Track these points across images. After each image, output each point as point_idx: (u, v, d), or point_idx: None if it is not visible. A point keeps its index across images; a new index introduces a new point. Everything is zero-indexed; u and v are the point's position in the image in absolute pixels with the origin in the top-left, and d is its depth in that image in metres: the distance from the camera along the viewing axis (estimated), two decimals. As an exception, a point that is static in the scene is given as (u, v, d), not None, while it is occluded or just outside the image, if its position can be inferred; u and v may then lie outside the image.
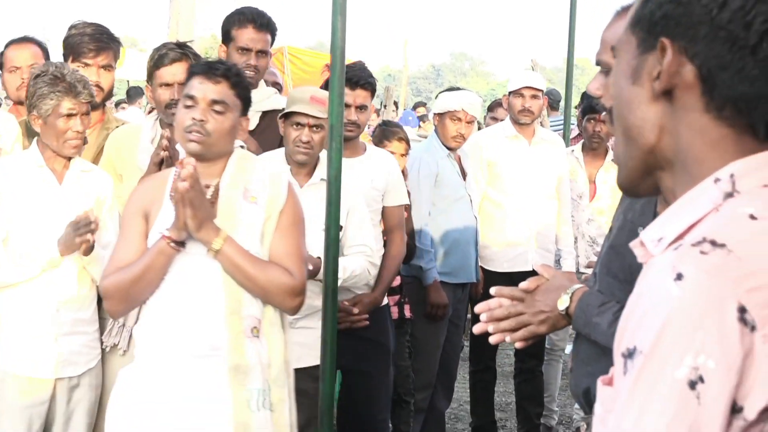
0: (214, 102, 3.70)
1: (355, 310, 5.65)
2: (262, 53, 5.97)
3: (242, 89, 3.86)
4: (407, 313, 6.63)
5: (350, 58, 5.57)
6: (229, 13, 6.23)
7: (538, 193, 7.37)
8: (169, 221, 3.67)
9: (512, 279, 7.08)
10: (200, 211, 3.57)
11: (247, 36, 5.88)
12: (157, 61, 5.41)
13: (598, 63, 1.76)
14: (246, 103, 3.94)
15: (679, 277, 1.45)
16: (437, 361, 7.05)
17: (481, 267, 7.13)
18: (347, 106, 5.61)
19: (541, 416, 7.87)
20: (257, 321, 3.76)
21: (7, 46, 6.13)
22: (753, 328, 1.44)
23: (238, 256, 3.68)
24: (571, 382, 3.34)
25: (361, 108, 5.94)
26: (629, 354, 1.53)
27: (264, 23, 5.98)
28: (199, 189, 3.59)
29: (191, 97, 3.72)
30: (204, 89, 3.72)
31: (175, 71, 5.25)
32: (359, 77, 5.93)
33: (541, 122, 7.52)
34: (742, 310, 1.44)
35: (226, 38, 5.98)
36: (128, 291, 3.73)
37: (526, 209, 7.31)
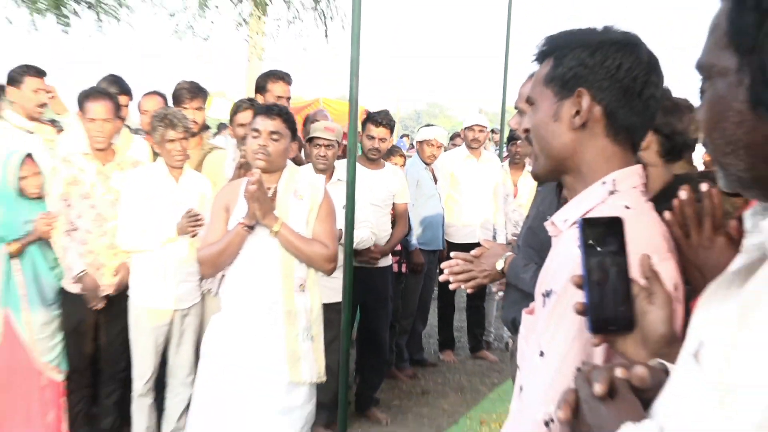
0: (272, 132, 3.71)
1: (373, 249, 5.76)
2: (288, 99, 5.92)
3: (290, 123, 3.82)
4: (403, 270, 6.66)
5: (362, 105, 5.55)
6: (264, 72, 6.17)
7: (483, 193, 7.35)
8: (243, 212, 3.69)
9: (465, 248, 7.09)
10: (264, 205, 3.60)
11: (280, 88, 5.83)
12: (236, 109, 5.38)
13: (516, 108, 1.77)
14: (293, 132, 3.88)
15: None
16: (417, 299, 7.07)
17: (445, 239, 7.09)
18: (372, 138, 5.97)
19: (483, 335, 7.93)
20: (303, 280, 3.77)
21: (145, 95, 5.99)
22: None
23: (291, 236, 3.67)
24: (502, 314, 3.34)
25: (382, 140, 6.01)
26: (547, 294, 1.59)
27: (289, 80, 5.94)
28: (263, 190, 3.61)
29: (256, 130, 3.75)
30: (265, 124, 3.73)
31: (246, 116, 5.17)
32: (382, 119, 6.03)
33: (485, 147, 7.53)
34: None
35: (262, 90, 5.88)
36: (215, 260, 3.78)
37: (475, 203, 7.30)
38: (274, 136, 3.72)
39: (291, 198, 3.79)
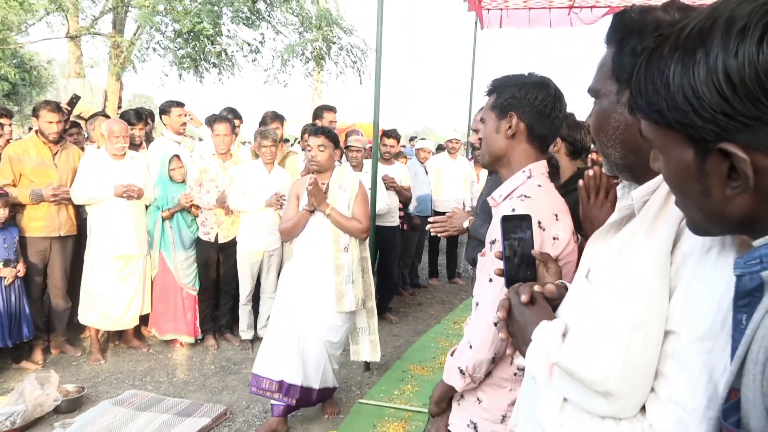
0: (319, 146, 3.59)
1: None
2: (334, 123, 5.83)
3: (332, 138, 3.67)
4: (405, 227, 6.63)
5: (383, 127, 5.64)
6: (319, 105, 6.17)
7: (457, 181, 7.29)
8: (306, 200, 3.62)
9: (444, 214, 7.26)
10: (319, 197, 3.52)
11: (329, 116, 5.76)
12: (304, 130, 5.43)
13: (474, 129, 1.79)
14: (336, 143, 3.73)
15: (513, 210, 1.51)
16: (414, 246, 7.12)
17: (433, 209, 7.04)
18: (386, 145, 6.02)
19: (456, 268, 7.89)
20: (347, 244, 3.63)
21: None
22: (543, 229, 1.53)
23: (338, 216, 3.56)
24: (466, 255, 3.28)
25: (392, 146, 6.07)
26: (492, 242, 1.59)
27: (335, 110, 5.86)
28: (319, 188, 3.54)
29: (309, 145, 3.67)
30: (314, 140, 3.63)
31: (311, 138, 5.31)
32: (392, 133, 6.11)
33: (459, 152, 7.54)
34: (539, 222, 1.52)
35: (319, 117, 5.81)
36: (290, 231, 3.67)
37: (452, 187, 7.25)
38: (321, 148, 3.58)
39: (338, 190, 3.66)
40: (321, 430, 3.71)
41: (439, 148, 9.82)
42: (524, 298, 1.10)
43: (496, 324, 1.45)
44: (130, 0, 9.88)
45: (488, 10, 8.13)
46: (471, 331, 1.61)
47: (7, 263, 4.22)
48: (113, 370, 4.55)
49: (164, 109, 5.53)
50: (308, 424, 3.76)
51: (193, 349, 5.03)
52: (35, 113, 4.61)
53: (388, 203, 5.76)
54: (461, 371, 1.62)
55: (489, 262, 1.57)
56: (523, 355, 1.08)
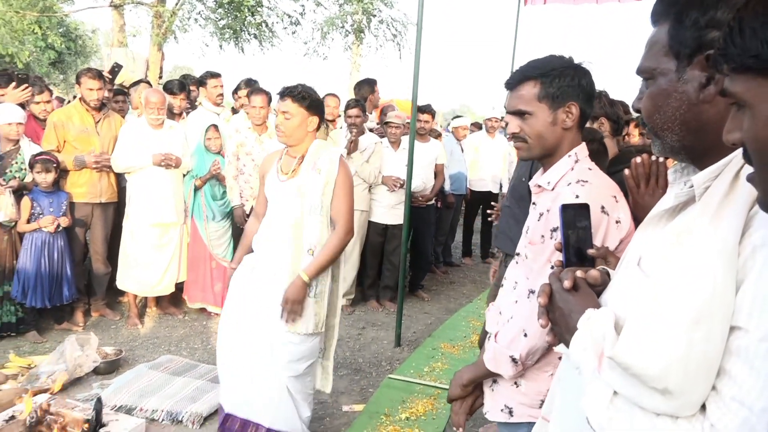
0: (283, 112, 2.73)
1: (421, 198, 5.68)
2: (374, 96, 5.82)
3: (306, 102, 2.73)
4: (439, 205, 6.58)
5: (420, 103, 5.57)
6: (360, 80, 6.10)
7: (494, 159, 7.21)
8: (273, 178, 2.88)
9: (480, 194, 7.19)
10: (297, 309, 2.71)
11: (368, 90, 5.78)
12: (346, 106, 5.34)
13: (513, 112, 1.69)
14: (313, 109, 2.76)
15: (577, 196, 1.48)
16: (449, 224, 7.05)
17: (468, 188, 7.05)
18: (420, 121, 5.68)
19: (489, 248, 7.71)
20: (314, 246, 2.69)
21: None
22: (607, 214, 1.48)
23: (317, 267, 2.70)
24: (497, 241, 3.07)
25: (427, 122, 5.86)
26: (554, 229, 1.52)
27: (375, 84, 5.84)
28: (300, 307, 2.72)
29: (275, 110, 2.92)
30: (279, 104, 2.81)
31: (354, 111, 5.20)
32: (427, 109, 5.88)
33: (498, 130, 7.43)
34: (602, 207, 1.48)
35: (357, 90, 5.83)
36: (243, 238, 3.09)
37: (488, 166, 7.18)
38: (286, 116, 2.72)
39: (311, 171, 2.76)
40: (350, 402, 3.72)
41: (474, 125, 9.68)
42: (567, 284, 1.05)
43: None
44: (173, -32, 9.93)
45: (532, -15, 7.88)
46: (525, 320, 1.55)
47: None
48: (150, 334, 4.64)
49: (201, 81, 5.54)
50: (338, 397, 3.78)
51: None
52: (77, 80, 4.66)
53: (424, 180, 5.71)
54: (514, 359, 1.58)
55: (549, 250, 1.53)
56: (566, 343, 1.03)
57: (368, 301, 5.65)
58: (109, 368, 3.88)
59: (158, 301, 5.11)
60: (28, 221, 4.24)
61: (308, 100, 2.75)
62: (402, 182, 5.28)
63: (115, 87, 5.60)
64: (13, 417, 2.91)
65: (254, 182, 4.91)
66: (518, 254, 1.71)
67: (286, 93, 2.75)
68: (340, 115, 5.73)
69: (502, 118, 8.67)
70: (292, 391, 2.82)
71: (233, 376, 2.87)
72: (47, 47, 16.05)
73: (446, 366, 4.31)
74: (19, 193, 4.24)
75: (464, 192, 7.06)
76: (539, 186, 1.64)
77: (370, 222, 5.45)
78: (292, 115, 2.73)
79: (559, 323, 1.06)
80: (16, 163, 4.29)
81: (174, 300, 5.17)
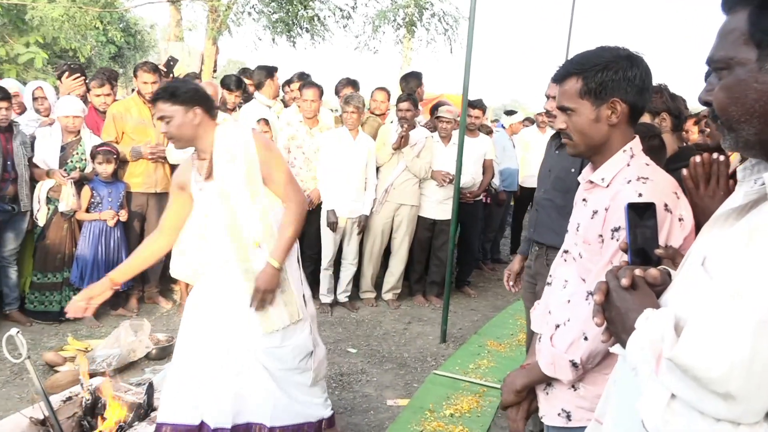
0: (162, 117, 2.42)
1: (468, 195, 5.61)
2: (420, 91, 5.75)
3: (177, 98, 2.37)
4: (488, 201, 6.49)
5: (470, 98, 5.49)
6: (406, 73, 6.12)
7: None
8: (195, 188, 2.55)
9: (532, 191, 7.06)
10: (267, 298, 2.49)
11: (415, 83, 5.72)
12: (398, 100, 5.30)
13: (559, 107, 1.58)
14: (189, 101, 2.38)
15: (640, 195, 1.42)
16: (498, 221, 6.99)
17: (519, 184, 6.95)
18: (471, 116, 5.57)
19: None
20: (258, 236, 2.43)
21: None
22: (671, 212, 1.43)
23: (282, 251, 2.45)
24: (535, 234, 2.98)
25: (477, 117, 5.73)
26: (615, 229, 1.47)
27: (422, 78, 5.77)
28: (272, 296, 2.49)
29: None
30: (157, 112, 2.46)
31: (405, 105, 5.13)
32: (477, 104, 5.73)
33: (549, 126, 7.30)
34: (666, 205, 1.43)
35: (404, 83, 5.76)
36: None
37: (538, 163, 7.14)
38: (165, 119, 2.39)
39: (225, 164, 2.43)
40: (394, 397, 3.72)
41: (528, 120, 9.53)
42: (625, 282, 1.01)
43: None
44: (228, -36, 10.10)
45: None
46: (585, 322, 1.50)
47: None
48: (200, 323, 4.73)
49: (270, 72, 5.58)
50: (382, 390, 3.79)
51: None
52: (135, 73, 4.80)
53: (473, 176, 5.65)
54: (574, 364, 1.53)
55: (611, 251, 1.48)
56: (622, 343, 1.00)
57: (415, 296, 5.64)
58: (161, 354, 3.98)
59: (209, 290, 5.20)
60: (88, 210, 4.40)
61: (178, 96, 2.39)
62: (451, 177, 5.23)
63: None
64: (70, 398, 3.02)
65: (303, 175, 4.97)
66: (566, 251, 1.66)
67: (155, 97, 2.44)
68: (389, 109, 5.71)
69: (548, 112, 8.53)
70: (284, 379, 2.56)
71: (203, 387, 2.51)
72: (108, 42, 16.60)
73: (492, 364, 4.26)
74: (79, 182, 4.39)
75: (515, 189, 6.96)
76: (591, 182, 1.59)
77: (419, 217, 5.42)
78: (170, 117, 2.39)
79: (615, 322, 1.03)
80: (77, 153, 4.46)
81: (224, 289, 5.25)
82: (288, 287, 2.56)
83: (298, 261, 2.68)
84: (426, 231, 5.47)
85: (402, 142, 5.05)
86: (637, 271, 1.04)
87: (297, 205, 2.54)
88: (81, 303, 2.56)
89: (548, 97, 2.82)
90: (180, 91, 2.40)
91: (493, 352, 4.50)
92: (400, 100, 5.32)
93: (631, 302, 1.00)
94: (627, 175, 1.51)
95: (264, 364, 2.52)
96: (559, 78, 1.59)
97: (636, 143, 1.56)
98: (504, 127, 7.27)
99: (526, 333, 3.20)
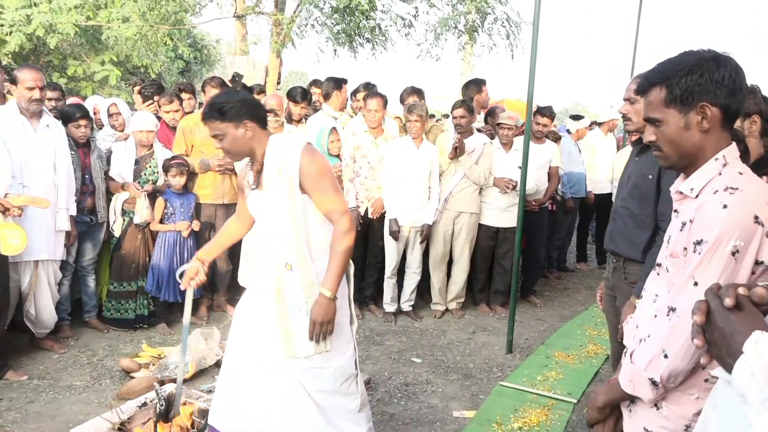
0: (215, 135, 2.42)
1: (534, 203, 5.55)
2: (483, 96, 5.74)
3: (229, 115, 2.34)
4: (554, 208, 6.35)
5: (536, 104, 5.39)
6: (469, 80, 6.09)
7: (611, 159, 7.00)
8: (251, 193, 2.58)
9: (600, 197, 6.89)
10: (328, 324, 2.42)
11: (476, 90, 5.72)
12: (453, 106, 5.26)
13: (646, 120, 1.53)
14: (241, 117, 2.35)
15: (725, 206, 1.37)
16: (566, 228, 6.83)
17: (587, 190, 6.77)
18: (539, 124, 5.56)
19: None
20: (291, 259, 2.37)
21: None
22: (761, 225, 1.36)
23: (335, 279, 2.38)
24: (611, 244, 2.91)
25: (545, 125, 5.64)
26: (698, 242, 1.41)
27: (485, 84, 5.75)
28: (332, 321, 2.43)
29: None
30: (207, 130, 2.49)
31: (460, 111, 5.09)
32: (546, 111, 5.63)
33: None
34: (756, 217, 1.35)
35: (468, 92, 5.73)
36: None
37: (606, 166, 6.90)
38: (218, 137, 2.38)
39: (275, 175, 2.40)
40: (460, 408, 3.68)
41: (592, 126, 9.33)
42: (729, 302, 0.96)
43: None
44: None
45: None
46: (665, 339, 1.46)
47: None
48: (267, 331, 4.81)
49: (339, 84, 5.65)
50: (448, 402, 3.75)
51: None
52: (203, 88, 4.95)
53: (537, 183, 5.55)
54: (654, 382, 1.48)
55: (693, 264, 1.42)
56: (726, 367, 0.95)
57: (478, 305, 5.56)
58: (230, 362, 4.06)
59: (275, 298, 5.29)
60: (162, 221, 4.56)
61: (225, 112, 2.35)
62: (514, 184, 5.15)
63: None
64: (145, 404, 3.13)
65: (369, 184, 5.00)
66: (659, 265, 1.61)
67: (204, 117, 2.41)
68: (437, 119, 5.67)
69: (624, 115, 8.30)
70: (335, 414, 2.49)
71: (240, 401, 2.52)
72: (176, 57, 17.22)
73: (561, 376, 4.15)
74: (151, 194, 4.57)
75: (584, 194, 6.79)
76: (681, 193, 1.53)
77: (480, 225, 5.34)
78: (222, 135, 2.38)
79: (718, 345, 0.97)
80: (150, 166, 4.63)
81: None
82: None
83: (348, 279, 2.59)
84: (489, 239, 5.40)
85: (458, 152, 4.99)
86: (741, 290, 0.98)
87: (345, 227, 2.42)
88: (187, 282, 2.69)
89: (626, 100, 2.73)
90: (227, 107, 2.35)
91: (561, 363, 4.39)
92: (454, 106, 5.27)
93: (736, 324, 0.95)
94: (716, 185, 1.44)
95: (304, 386, 2.45)
96: (643, 90, 1.54)
97: (731, 150, 1.49)
98: (570, 132, 7.10)
99: (612, 346, 3.08)
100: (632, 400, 1.59)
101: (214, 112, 2.35)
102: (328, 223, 2.45)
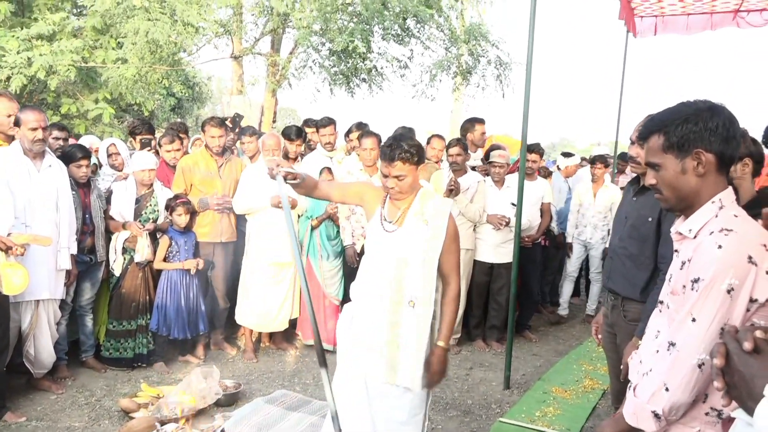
0: (396, 176, 2.60)
1: (527, 239, 5.63)
2: (484, 134, 5.86)
3: (412, 158, 2.58)
4: (547, 244, 6.42)
5: (517, 139, 5.51)
6: (468, 119, 6.14)
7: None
8: (375, 222, 2.75)
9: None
10: (441, 374, 2.66)
11: (480, 128, 5.80)
12: (449, 145, 5.37)
13: (647, 164, 1.66)
14: (418, 162, 2.61)
15: (720, 247, 1.44)
16: (558, 263, 6.86)
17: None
18: (528, 160, 5.56)
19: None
20: (415, 298, 2.55)
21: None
22: (755, 264, 1.42)
23: (447, 333, 2.64)
24: (608, 282, 2.99)
25: (534, 161, 5.84)
26: (695, 280, 1.48)
27: (484, 122, 5.85)
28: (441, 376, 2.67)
29: (383, 172, 2.68)
30: (388, 170, 2.62)
31: (455, 150, 5.23)
32: (535, 148, 5.85)
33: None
34: (750, 257, 1.42)
35: (467, 129, 5.87)
36: None
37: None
38: (400, 177, 2.57)
39: (419, 222, 2.61)
40: (461, 445, 3.69)
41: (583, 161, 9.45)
42: (748, 345, 1.00)
43: (700, 366, 1.43)
44: (289, 21, 10.51)
45: (641, 17, 7.72)
46: (666, 373, 1.53)
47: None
48: (264, 369, 4.83)
49: (322, 125, 5.80)
50: (448, 439, 3.76)
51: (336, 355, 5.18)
52: (202, 128, 5.04)
53: (530, 219, 5.64)
54: (656, 415, 1.54)
55: (690, 302, 1.50)
56: (747, 409, 0.99)
57: (474, 341, 5.60)
58: (229, 401, 4.07)
59: (272, 336, 5.32)
60: (165, 259, 4.60)
61: (416, 155, 2.59)
62: (507, 220, 5.25)
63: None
64: (147, 444, 3.13)
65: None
66: (661, 302, 1.68)
67: (396, 156, 2.55)
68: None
69: (631, 157, 8.39)
70: None
71: (350, 419, 2.69)
72: (169, 95, 17.38)
73: (558, 411, 4.18)
74: (152, 233, 4.61)
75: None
76: (680, 233, 1.62)
77: (475, 261, 5.42)
78: (405, 176, 2.58)
79: (739, 387, 1.01)
80: (150, 205, 4.69)
81: (287, 336, 5.36)
82: (420, 350, 2.61)
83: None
84: (483, 275, 5.46)
85: (452, 193, 5.07)
86: (759, 333, 1.02)
87: (458, 286, 2.68)
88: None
89: (632, 141, 2.84)
90: (417, 151, 2.60)
91: (558, 399, 4.41)
92: (450, 145, 5.38)
93: (756, 367, 0.98)
94: (712, 227, 1.52)
95: (378, 413, 2.65)
96: (643, 137, 1.65)
97: (727, 194, 1.58)
98: (559, 168, 7.23)
99: (604, 381, 3.11)
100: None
101: (407, 153, 2.56)
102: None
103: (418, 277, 2.59)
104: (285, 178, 2.61)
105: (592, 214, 6.42)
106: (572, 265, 6.66)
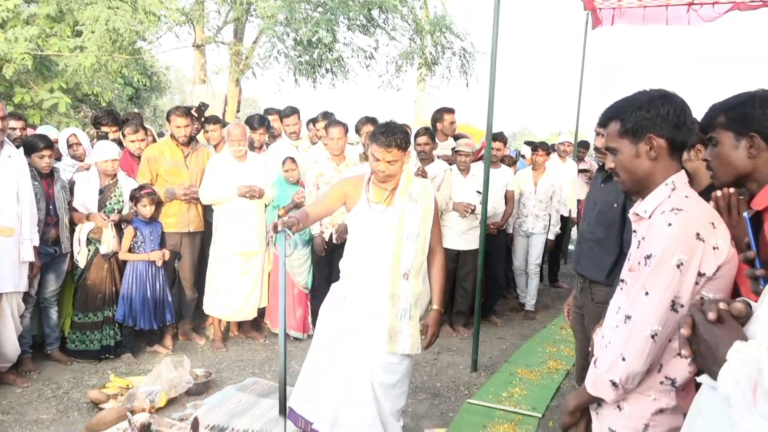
0: (390, 161, 2.78)
1: (492, 226, 5.72)
2: (454, 123, 5.92)
3: (404, 145, 2.80)
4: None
5: (478, 128, 5.59)
6: (438, 108, 6.15)
7: (565, 184, 7.19)
8: (359, 209, 2.92)
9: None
10: (435, 336, 2.98)
11: (449, 119, 5.88)
12: (416, 134, 5.43)
13: (606, 149, 1.75)
14: (407, 148, 2.83)
15: (669, 225, 1.52)
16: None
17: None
18: (493, 148, 5.57)
19: (558, 272, 7.69)
20: (408, 270, 2.79)
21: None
22: (703, 241, 1.50)
23: (440, 296, 2.97)
24: (579, 266, 3.14)
25: (498, 149, 5.92)
26: (648, 257, 1.57)
27: (454, 111, 5.88)
28: (435, 336, 2.98)
29: (374, 156, 2.86)
30: (384, 155, 2.81)
31: (423, 139, 5.27)
32: (499, 137, 5.90)
33: (569, 155, 7.34)
34: (698, 234, 1.50)
35: (438, 120, 5.91)
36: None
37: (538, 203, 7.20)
38: (392, 162, 2.77)
39: (407, 201, 2.85)
40: (431, 426, 3.78)
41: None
42: (712, 316, 1.07)
43: (653, 336, 1.52)
44: (252, 10, 10.41)
45: (600, 9, 7.90)
46: (622, 344, 1.61)
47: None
48: (234, 357, 4.83)
49: (284, 114, 5.80)
50: (419, 420, 3.84)
51: (306, 342, 5.20)
52: (168, 117, 4.99)
53: (494, 206, 5.75)
54: (614, 383, 1.62)
55: (643, 275, 1.58)
56: (711, 374, 1.06)
57: (442, 326, 5.67)
58: (200, 389, 4.08)
59: (240, 325, 5.32)
60: (131, 249, 4.55)
61: (407, 142, 2.82)
62: (473, 208, 5.34)
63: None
64: (120, 433, 3.12)
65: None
66: (622, 280, 1.76)
67: (392, 143, 2.73)
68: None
69: (575, 143, 8.57)
70: (383, 401, 2.88)
71: (321, 391, 2.92)
72: (126, 84, 17.01)
73: (525, 392, 4.31)
74: (117, 224, 4.56)
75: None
76: (637, 214, 1.70)
77: (443, 248, 5.50)
78: (397, 161, 2.79)
79: (704, 355, 1.08)
80: (115, 196, 4.62)
81: (255, 325, 5.36)
82: (416, 318, 2.90)
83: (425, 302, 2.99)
84: (450, 261, 5.49)
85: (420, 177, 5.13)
86: (722, 305, 1.10)
87: (442, 257, 2.99)
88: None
89: (597, 133, 2.94)
90: (408, 140, 2.84)
91: (524, 380, 4.54)
92: (417, 134, 5.44)
93: (719, 335, 1.05)
94: (664, 207, 1.61)
95: (372, 379, 2.85)
96: (603, 123, 1.75)
97: (679, 177, 1.67)
98: (524, 158, 7.35)
99: (568, 362, 3.25)
100: (599, 402, 1.73)
101: (402, 142, 2.77)
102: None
103: (410, 252, 2.84)
104: (290, 229, 2.67)
105: (533, 204, 6.27)
106: (518, 260, 6.44)
